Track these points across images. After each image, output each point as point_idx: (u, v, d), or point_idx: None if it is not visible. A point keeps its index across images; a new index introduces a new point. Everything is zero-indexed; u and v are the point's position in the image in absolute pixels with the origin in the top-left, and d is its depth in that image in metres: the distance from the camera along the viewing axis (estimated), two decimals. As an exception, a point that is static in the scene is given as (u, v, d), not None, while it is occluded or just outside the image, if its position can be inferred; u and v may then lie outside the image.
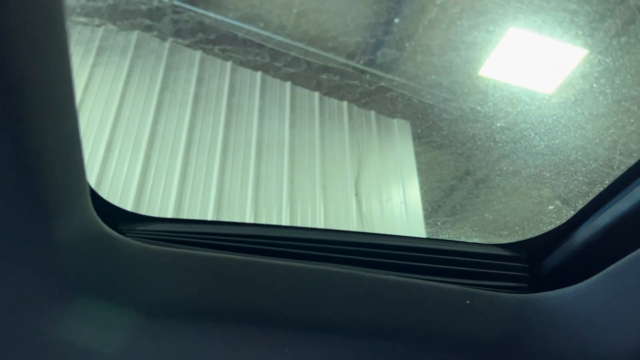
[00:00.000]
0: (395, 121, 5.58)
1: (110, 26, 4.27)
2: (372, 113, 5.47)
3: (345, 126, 5.20)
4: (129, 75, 4.50)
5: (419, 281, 0.93)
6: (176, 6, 4.44)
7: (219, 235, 0.92)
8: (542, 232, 0.99)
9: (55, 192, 0.68)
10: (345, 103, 5.32)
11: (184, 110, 4.52)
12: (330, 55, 4.91)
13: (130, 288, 0.84)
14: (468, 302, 0.93)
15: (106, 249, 0.81)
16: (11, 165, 0.62)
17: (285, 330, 0.91)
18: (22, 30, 0.54)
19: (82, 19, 4.14)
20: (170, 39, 4.72)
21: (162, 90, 4.56)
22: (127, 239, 0.84)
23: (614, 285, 0.81)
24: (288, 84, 5.11)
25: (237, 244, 0.91)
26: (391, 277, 0.93)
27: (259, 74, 5.03)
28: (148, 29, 4.39)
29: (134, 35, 4.67)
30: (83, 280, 0.80)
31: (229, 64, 4.94)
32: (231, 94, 4.81)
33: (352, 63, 5.09)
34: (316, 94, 5.20)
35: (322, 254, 0.94)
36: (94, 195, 0.81)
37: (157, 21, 4.35)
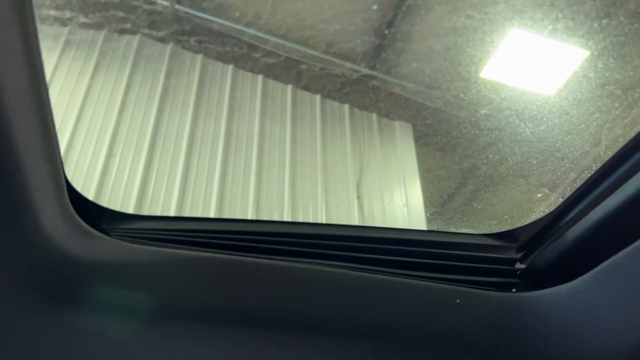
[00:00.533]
0: (397, 123, 5.58)
1: (83, 19, 4.19)
2: (374, 115, 5.48)
3: (347, 128, 5.22)
4: (130, 78, 4.51)
5: (407, 280, 0.92)
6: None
7: (206, 232, 0.90)
8: (531, 221, 0.97)
9: (27, 188, 0.66)
10: (346, 106, 5.33)
11: (185, 112, 4.53)
12: (307, 49, 4.85)
13: (112, 288, 0.83)
14: (458, 301, 0.92)
15: (86, 248, 0.80)
16: None
17: (272, 330, 0.89)
18: None
19: (52, 12, 4.06)
20: (171, 43, 4.69)
21: (164, 93, 4.57)
22: (108, 237, 0.82)
23: (606, 284, 0.80)
24: (289, 87, 5.12)
25: (224, 241, 0.89)
26: (379, 276, 0.91)
27: (260, 77, 5.04)
28: (121, 21, 4.31)
29: (136, 39, 4.69)
30: (61, 280, 0.78)
31: (230, 67, 4.94)
32: (232, 97, 4.83)
33: (329, 57, 5.03)
34: (317, 97, 5.21)
35: (309, 250, 0.93)
36: (75, 193, 0.79)
37: (130, 13, 4.28)
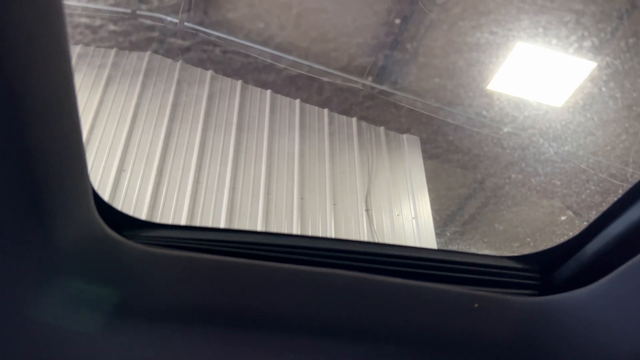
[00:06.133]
0: (405, 136, 5.59)
1: (112, 27, 4.32)
2: (381, 129, 5.49)
3: (355, 142, 5.24)
4: (141, 94, 4.60)
5: (425, 284, 0.91)
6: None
7: (224, 242, 0.91)
8: (554, 245, 0.96)
9: (54, 192, 0.67)
10: (354, 119, 5.36)
11: (195, 127, 4.60)
12: (330, 62, 4.88)
13: (135, 291, 0.84)
14: (476, 305, 0.91)
15: (109, 252, 0.81)
16: (8, 163, 0.61)
17: (290, 335, 0.89)
18: (21, 26, 0.53)
19: (83, 20, 4.20)
20: (180, 60, 4.81)
21: (174, 108, 4.65)
22: (131, 242, 0.84)
23: (624, 286, 0.79)
24: (297, 102, 5.17)
25: (241, 250, 0.90)
26: (397, 280, 0.91)
27: (268, 92, 5.10)
28: (145, 37, 4.42)
29: (146, 55, 4.78)
30: (86, 283, 0.79)
31: (239, 82, 5.02)
32: (241, 111, 4.89)
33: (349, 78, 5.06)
34: (325, 111, 5.25)
35: (330, 261, 0.92)
36: (100, 200, 0.81)
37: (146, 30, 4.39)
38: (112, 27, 4.28)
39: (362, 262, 0.93)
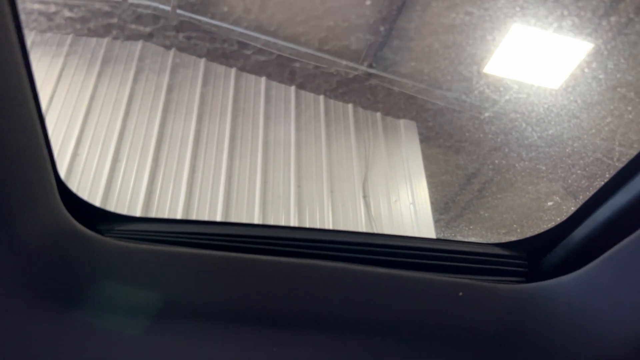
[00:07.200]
0: (402, 122, 5.50)
1: (68, 13, 4.13)
2: (378, 114, 5.40)
3: (351, 128, 5.16)
4: (134, 84, 4.52)
5: (409, 273, 0.90)
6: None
7: (201, 235, 0.89)
8: (541, 231, 0.95)
9: (11, 186, 0.63)
10: (350, 105, 5.27)
11: (189, 117, 4.53)
12: (300, 46, 4.71)
13: (108, 287, 0.81)
14: (461, 294, 0.90)
15: (79, 248, 0.78)
16: None
17: (272, 328, 0.87)
18: None
19: (36, 6, 4.01)
20: (173, 49, 4.67)
21: (168, 98, 4.57)
22: (101, 237, 0.81)
23: (612, 271, 0.79)
24: (293, 88, 5.08)
25: (220, 243, 0.88)
26: (379, 269, 0.90)
27: (263, 79, 5.00)
28: (109, 25, 4.23)
29: (138, 45, 4.69)
30: (54, 281, 0.76)
31: (233, 70, 4.93)
32: (236, 99, 4.82)
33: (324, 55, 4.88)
34: (321, 97, 5.16)
35: (311, 251, 0.90)
36: (68, 194, 0.77)
37: (116, 8, 4.20)
38: (67, 13, 4.08)
39: (344, 252, 0.90)
